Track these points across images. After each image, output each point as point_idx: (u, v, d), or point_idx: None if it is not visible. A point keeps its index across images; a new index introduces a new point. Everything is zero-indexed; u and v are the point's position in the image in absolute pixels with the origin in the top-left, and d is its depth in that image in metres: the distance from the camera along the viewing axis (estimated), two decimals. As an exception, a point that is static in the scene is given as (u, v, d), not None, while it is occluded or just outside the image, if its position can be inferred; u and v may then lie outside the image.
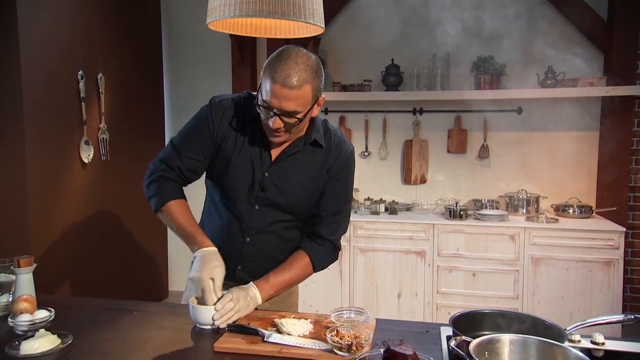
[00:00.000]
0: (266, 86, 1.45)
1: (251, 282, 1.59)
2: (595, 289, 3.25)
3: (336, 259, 1.75)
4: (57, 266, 3.00)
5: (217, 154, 1.63)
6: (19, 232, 2.83)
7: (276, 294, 1.65)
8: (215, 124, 1.60)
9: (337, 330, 1.34)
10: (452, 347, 1.12)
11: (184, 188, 1.72)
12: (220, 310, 1.45)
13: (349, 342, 1.28)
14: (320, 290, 3.55)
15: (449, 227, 3.41)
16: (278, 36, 2.15)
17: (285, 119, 1.46)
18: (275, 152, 1.62)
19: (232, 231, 1.68)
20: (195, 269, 1.50)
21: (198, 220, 1.84)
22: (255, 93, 1.60)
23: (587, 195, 3.71)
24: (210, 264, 1.51)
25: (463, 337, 1.15)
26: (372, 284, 3.50)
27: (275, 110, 1.45)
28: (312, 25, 1.94)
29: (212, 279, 1.49)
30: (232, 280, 1.72)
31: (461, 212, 3.44)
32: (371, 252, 3.50)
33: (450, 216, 3.46)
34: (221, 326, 1.45)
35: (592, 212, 3.55)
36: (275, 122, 1.46)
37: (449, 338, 1.31)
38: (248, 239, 1.68)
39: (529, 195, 3.61)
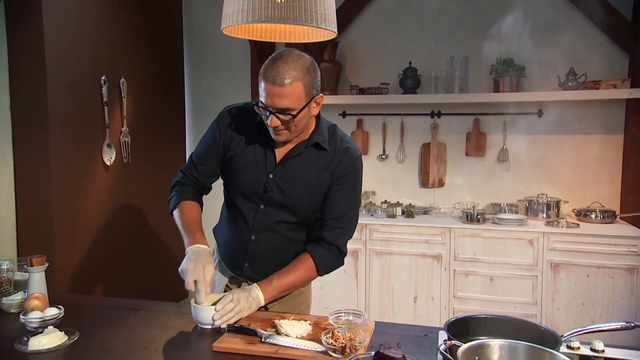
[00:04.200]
0: (261, 87, 1.53)
1: (254, 284, 1.63)
2: (618, 296, 3.17)
3: (342, 264, 1.76)
4: (80, 265, 3.09)
5: (226, 157, 1.73)
6: (43, 232, 2.93)
7: (279, 295, 1.68)
8: (222, 132, 1.72)
9: (332, 332, 1.35)
10: (441, 351, 1.12)
11: (205, 196, 1.86)
12: (220, 310, 1.48)
13: (343, 344, 1.30)
14: (336, 293, 3.56)
15: (466, 231, 3.38)
16: (292, 41, 2.18)
17: (281, 117, 1.53)
18: (280, 155, 1.68)
19: (239, 229, 1.76)
20: (185, 262, 1.56)
21: (212, 223, 1.94)
22: None
23: (611, 200, 3.61)
24: (200, 260, 1.55)
25: (453, 341, 1.15)
26: (387, 287, 3.49)
27: (270, 109, 1.52)
28: (325, 30, 1.98)
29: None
30: (240, 276, 1.80)
31: (478, 216, 3.41)
32: (387, 255, 3.49)
33: (468, 220, 3.43)
34: (222, 326, 1.49)
35: (616, 217, 3.46)
36: (272, 121, 1.53)
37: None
38: (253, 237, 1.74)
39: (549, 199, 3.54)
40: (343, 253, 1.74)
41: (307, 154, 1.68)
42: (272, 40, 2.11)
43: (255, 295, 1.59)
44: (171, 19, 4.03)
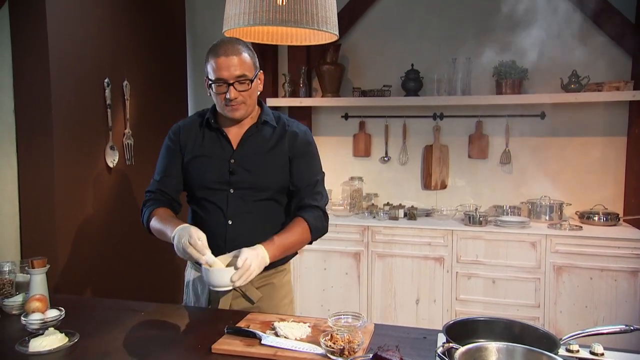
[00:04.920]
0: (213, 65, 1.69)
1: (258, 244, 1.65)
2: (621, 298, 3.16)
3: (326, 228, 1.87)
4: (82, 267, 3.10)
5: (185, 162, 1.85)
6: (46, 234, 2.94)
7: (281, 255, 1.73)
8: (175, 141, 1.87)
9: (331, 334, 1.36)
10: (438, 354, 1.12)
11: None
12: (240, 270, 1.51)
13: (342, 347, 1.30)
14: (338, 295, 3.56)
15: (468, 233, 3.37)
16: (294, 43, 2.19)
17: (239, 87, 1.69)
18: (235, 141, 1.82)
19: (214, 218, 1.82)
20: (177, 240, 1.60)
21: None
22: (207, 109, 1.89)
23: (614, 202, 3.60)
24: (187, 230, 1.60)
25: (451, 344, 1.15)
26: (389, 289, 3.49)
27: (229, 81, 1.68)
28: (326, 32, 1.99)
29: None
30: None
31: (481, 219, 3.40)
32: (389, 257, 3.49)
33: (470, 222, 3.42)
34: (237, 284, 1.51)
35: (619, 220, 3.44)
36: (232, 92, 1.68)
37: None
38: (230, 222, 1.80)
39: (552, 201, 3.53)
40: (326, 216, 1.87)
41: (260, 132, 1.83)
42: (274, 43, 2.12)
43: (262, 254, 1.61)
44: (174, 22, 4.04)
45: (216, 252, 1.76)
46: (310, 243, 1.84)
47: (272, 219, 1.85)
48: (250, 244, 1.73)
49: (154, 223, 1.79)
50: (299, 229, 1.77)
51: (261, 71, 1.79)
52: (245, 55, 1.70)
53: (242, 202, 1.79)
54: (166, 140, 1.90)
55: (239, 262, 1.51)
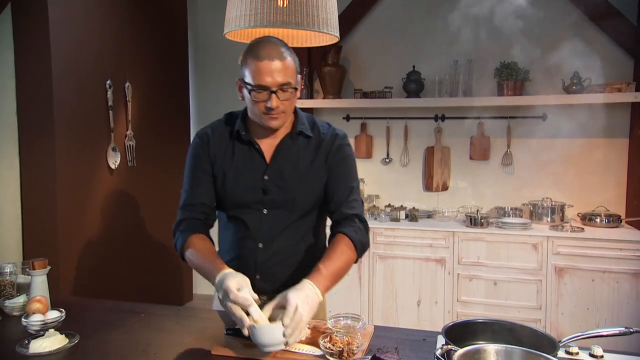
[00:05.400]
0: (253, 69, 1.50)
1: (304, 280, 1.42)
2: (623, 301, 3.15)
3: (369, 242, 1.69)
4: (84, 268, 3.11)
5: (215, 174, 1.69)
6: (48, 236, 2.95)
7: (333, 285, 1.51)
8: (205, 149, 1.69)
9: (330, 336, 1.36)
10: (437, 356, 1.12)
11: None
12: (291, 324, 1.28)
13: (340, 349, 1.30)
14: (339, 297, 3.55)
15: (469, 234, 3.37)
16: (295, 45, 2.20)
17: (282, 95, 1.52)
18: (268, 154, 1.66)
19: (245, 240, 1.69)
20: (221, 297, 1.39)
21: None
22: (235, 111, 1.73)
23: (616, 204, 3.59)
24: (226, 283, 1.38)
25: (450, 346, 1.15)
26: (391, 291, 3.49)
27: (272, 89, 1.50)
28: (327, 34, 1.99)
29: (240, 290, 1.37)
30: (253, 291, 1.59)
31: (482, 220, 3.39)
32: (391, 259, 3.49)
33: (472, 224, 3.41)
34: (291, 341, 1.30)
35: (621, 222, 3.44)
36: (273, 101, 1.51)
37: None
38: (261, 245, 1.67)
39: (553, 203, 3.53)
40: (366, 226, 1.69)
41: (295, 143, 1.67)
42: (275, 45, 2.13)
43: (312, 293, 1.38)
44: (176, 23, 4.06)
45: (247, 274, 1.49)
46: (356, 262, 1.64)
47: (303, 238, 1.72)
48: (282, 267, 1.66)
49: (191, 257, 1.61)
50: (343, 248, 1.57)
51: (300, 76, 1.61)
52: (290, 60, 1.52)
53: (275, 223, 1.66)
54: (192, 148, 1.72)
55: (289, 314, 1.29)
